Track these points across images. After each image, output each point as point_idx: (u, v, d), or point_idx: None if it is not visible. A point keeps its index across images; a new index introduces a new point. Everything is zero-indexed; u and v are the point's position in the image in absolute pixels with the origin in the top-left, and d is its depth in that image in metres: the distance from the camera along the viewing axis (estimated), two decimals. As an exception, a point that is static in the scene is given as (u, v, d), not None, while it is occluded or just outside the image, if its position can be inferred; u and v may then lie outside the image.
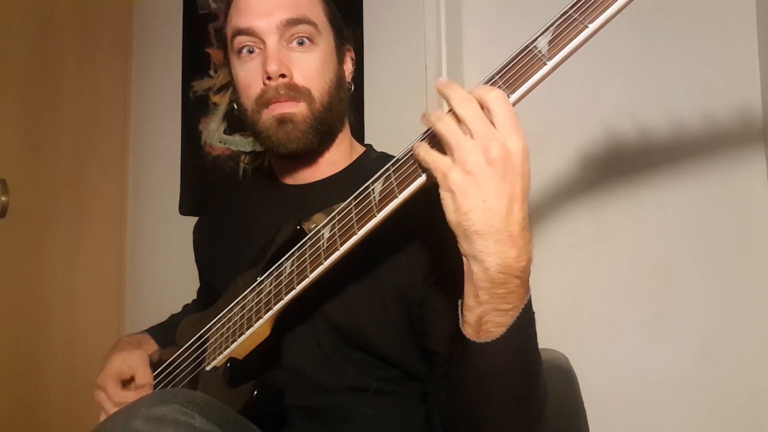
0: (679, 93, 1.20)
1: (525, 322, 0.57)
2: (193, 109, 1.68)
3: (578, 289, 1.29)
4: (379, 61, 1.37)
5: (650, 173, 1.22)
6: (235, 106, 0.88)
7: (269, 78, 0.79)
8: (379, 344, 0.78)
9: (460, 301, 0.59)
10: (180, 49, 1.71)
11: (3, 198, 1.37)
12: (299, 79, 0.80)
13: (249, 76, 0.82)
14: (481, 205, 0.53)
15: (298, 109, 0.80)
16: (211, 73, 1.66)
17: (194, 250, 1.04)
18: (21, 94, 1.46)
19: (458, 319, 0.59)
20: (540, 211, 1.31)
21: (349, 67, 0.90)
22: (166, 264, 1.70)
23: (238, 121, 1.61)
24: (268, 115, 0.80)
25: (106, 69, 1.72)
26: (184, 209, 1.67)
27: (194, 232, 1.04)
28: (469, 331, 0.58)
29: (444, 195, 0.55)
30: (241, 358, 0.75)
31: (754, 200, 1.15)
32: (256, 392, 0.71)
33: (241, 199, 1.01)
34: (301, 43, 0.81)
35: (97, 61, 1.69)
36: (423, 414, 0.79)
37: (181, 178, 1.69)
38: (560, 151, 1.29)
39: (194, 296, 1.09)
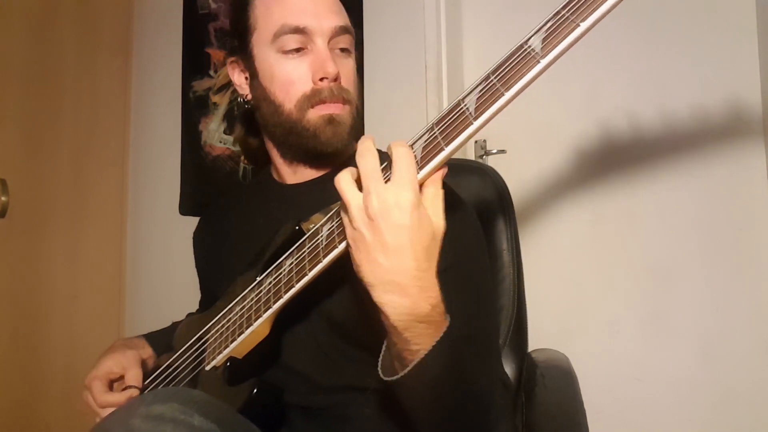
0: (678, 92, 1.20)
1: (437, 356, 0.58)
2: (193, 109, 1.68)
3: (578, 289, 1.29)
4: (379, 61, 1.37)
5: (650, 173, 1.22)
6: (253, 102, 0.87)
7: (322, 79, 0.80)
8: (378, 342, 0.78)
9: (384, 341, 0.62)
10: (180, 49, 1.71)
11: (3, 198, 1.37)
12: (344, 83, 0.82)
13: (293, 73, 0.81)
14: (366, 258, 0.56)
15: (344, 111, 0.82)
16: (211, 73, 1.66)
17: (194, 256, 1.04)
18: (21, 94, 1.46)
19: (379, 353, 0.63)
20: (540, 211, 1.31)
21: None
22: (166, 264, 1.70)
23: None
24: (316, 114, 0.80)
25: (106, 69, 1.73)
26: (184, 209, 1.67)
27: (194, 238, 1.04)
28: (383, 368, 0.62)
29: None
30: (240, 357, 0.75)
31: (754, 200, 1.15)
32: (255, 390, 0.71)
33: (238, 201, 1.01)
34: (343, 50, 0.83)
35: (97, 61, 1.69)
36: None
37: (181, 178, 1.69)
38: (560, 151, 1.29)
39: (194, 296, 1.09)
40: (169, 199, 1.69)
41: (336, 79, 0.80)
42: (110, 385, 0.86)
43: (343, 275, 0.75)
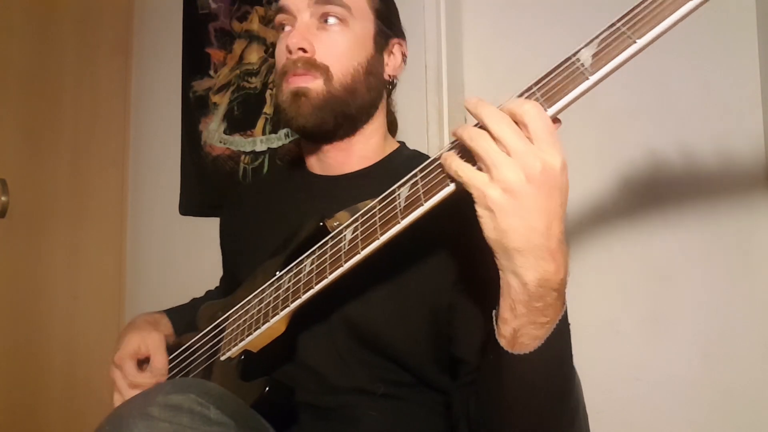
0: (678, 93, 1.20)
1: (560, 334, 0.56)
2: (193, 109, 1.68)
3: (578, 289, 1.29)
4: (380, 61, 1.37)
5: (650, 174, 1.22)
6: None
7: (290, 52, 0.79)
8: (395, 347, 0.77)
9: (494, 312, 0.58)
10: (180, 49, 1.71)
11: (3, 198, 1.37)
12: (320, 56, 0.79)
13: (281, 52, 0.82)
14: (521, 224, 0.52)
15: (313, 84, 0.78)
16: (211, 73, 1.66)
17: (220, 236, 1.03)
18: (21, 94, 1.46)
19: (491, 329, 0.58)
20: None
21: (395, 60, 0.89)
22: (166, 264, 1.70)
23: (238, 121, 1.61)
24: (286, 88, 0.80)
25: (106, 69, 1.72)
26: (184, 209, 1.67)
27: (221, 218, 1.04)
28: (503, 343, 0.57)
29: (482, 213, 0.54)
30: (255, 351, 0.75)
31: (754, 200, 1.15)
32: (268, 388, 0.71)
33: (269, 187, 0.99)
34: (330, 22, 0.80)
35: (97, 61, 1.69)
36: (429, 420, 0.79)
37: (181, 178, 1.68)
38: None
39: (195, 295, 1.09)
40: (169, 199, 1.69)
41: (305, 51, 0.78)
42: (138, 365, 0.85)
43: (366, 276, 0.74)
